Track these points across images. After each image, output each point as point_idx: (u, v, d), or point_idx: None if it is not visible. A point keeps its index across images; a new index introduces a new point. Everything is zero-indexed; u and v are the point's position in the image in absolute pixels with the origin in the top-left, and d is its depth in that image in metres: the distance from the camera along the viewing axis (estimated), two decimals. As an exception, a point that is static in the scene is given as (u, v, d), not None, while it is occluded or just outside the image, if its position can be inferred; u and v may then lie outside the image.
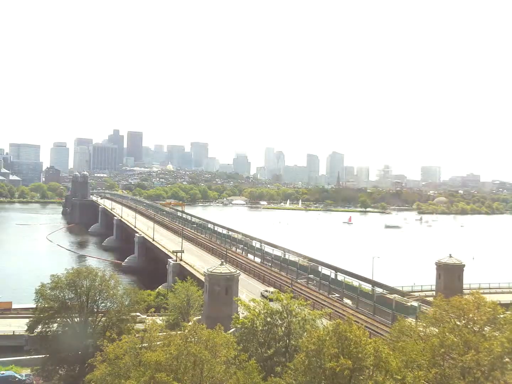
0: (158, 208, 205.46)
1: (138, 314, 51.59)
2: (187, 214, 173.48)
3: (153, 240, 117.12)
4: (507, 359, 29.42)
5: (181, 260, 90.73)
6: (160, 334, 33.75)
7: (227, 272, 53.11)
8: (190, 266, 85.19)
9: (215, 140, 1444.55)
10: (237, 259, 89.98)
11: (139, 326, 43.35)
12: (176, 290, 62.41)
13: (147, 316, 51.08)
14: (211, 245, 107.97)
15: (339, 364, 25.03)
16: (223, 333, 31.02)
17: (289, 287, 61.10)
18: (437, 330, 32.67)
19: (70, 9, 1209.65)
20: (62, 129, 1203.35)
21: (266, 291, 62.63)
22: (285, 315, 37.21)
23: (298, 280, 72.08)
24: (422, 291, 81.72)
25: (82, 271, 46.18)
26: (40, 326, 45.05)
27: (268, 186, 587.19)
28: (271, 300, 41.25)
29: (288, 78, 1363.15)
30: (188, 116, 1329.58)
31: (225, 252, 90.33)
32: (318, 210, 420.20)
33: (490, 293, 78.19)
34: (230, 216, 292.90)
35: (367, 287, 63.94)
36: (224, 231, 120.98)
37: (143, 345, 31.90)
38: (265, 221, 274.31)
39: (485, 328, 32.34)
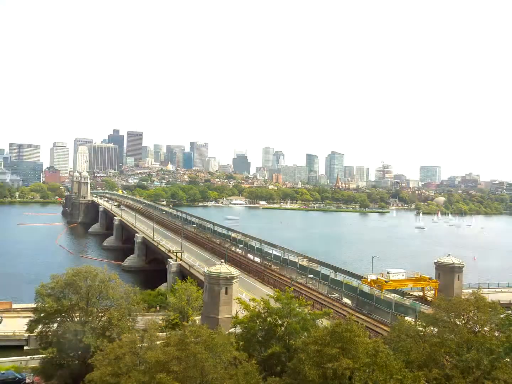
0: (158, 208, 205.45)
1: (138, 314, 51.54)
2: (187, 214, 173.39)
3: (153, 240, 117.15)
4: (507, 359, 29.44)
5: (181, 260, 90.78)
6: (160, 334, 33.75)
7: (227, 272, 53.08)
8: (190, 266, 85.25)
9: (215, 140, 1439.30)
10: (237, 259, 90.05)
11: (139, 326, 43.33)
12: (176, 290, 62.36)
13: (147, 316, 51.05)
14: (211, 245, 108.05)
15: (339, 364, 25.03)
16: (223, 333, 31.01)
17: (289, 287, 61.08)
18: (437, 330, 32.71)
19: (70, 9, 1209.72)
20: (62, 129, 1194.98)
21: None
22: (285, 315, 37.18)
23: (298, 280, 72.05)
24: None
25: (82, 271, 46.01)
26: (40, 326, 44.98)
27: (268, 186, 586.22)
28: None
29: (287, 78, 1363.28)
30: (188, 116, 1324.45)
31: (225, 252, 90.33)
32: (317, 210, 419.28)
33: (490, 292, 78.23)
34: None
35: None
36: (224, 231, 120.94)
37: (143, 345, 31.92)
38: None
39: (485, 328, 32.38)
